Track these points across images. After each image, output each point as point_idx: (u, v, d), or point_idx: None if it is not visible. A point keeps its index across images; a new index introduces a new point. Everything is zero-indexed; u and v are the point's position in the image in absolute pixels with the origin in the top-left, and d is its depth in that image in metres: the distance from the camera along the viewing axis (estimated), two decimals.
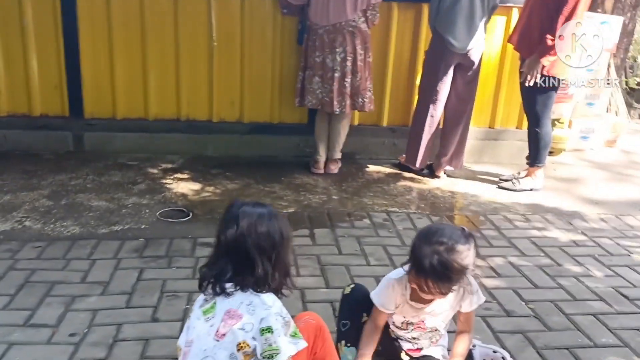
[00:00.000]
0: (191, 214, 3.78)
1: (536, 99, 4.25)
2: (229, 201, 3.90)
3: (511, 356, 2.30)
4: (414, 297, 2.04)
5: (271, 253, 1.66)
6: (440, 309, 2.06)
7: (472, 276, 2.07)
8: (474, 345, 2.20)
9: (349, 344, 2.11)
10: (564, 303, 2.79)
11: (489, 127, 5.23)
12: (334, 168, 4.79)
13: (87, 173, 4.27)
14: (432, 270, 1.80)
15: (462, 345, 2.08)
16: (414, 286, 1.92)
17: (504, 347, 2.38)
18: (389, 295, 2.06)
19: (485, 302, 2.68)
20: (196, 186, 4.29)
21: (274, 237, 1.67)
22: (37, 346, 2.28)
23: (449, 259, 1.78)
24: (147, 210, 3.71)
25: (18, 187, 3.91)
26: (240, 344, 1.55)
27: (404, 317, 2.10)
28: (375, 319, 2.09)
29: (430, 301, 2.02)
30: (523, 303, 2.77)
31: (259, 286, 1.64)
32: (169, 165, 4.60)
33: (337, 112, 4.46)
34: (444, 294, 1.89)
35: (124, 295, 2.69)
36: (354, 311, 2.16)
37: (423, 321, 2.10)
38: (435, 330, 2.12)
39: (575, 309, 2.74)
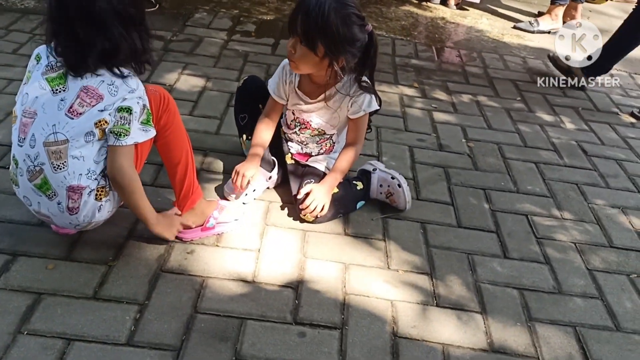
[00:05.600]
0: (158, 6, 3.55)
1: None
2: None
3: (415, 185, 2.15)
4: (302, 87, 1.90)
5: (115, 17, 1.38)
6: (327, 109, 1.91)
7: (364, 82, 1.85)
8: (374, 169, 2.03)
9: (250, 137, 2.01)
10: (510, 147, 2.53)
11: None
12: None
13: None
14: (306, 4, 1.64)
15: (342, 160, 1.92)
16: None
17: (415, 177, 2.21)
18: (279, 78, 1.91)
19: (423, 134, 2.49)
20: None
21: None
22: None
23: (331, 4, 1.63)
24: None
25: None
26: (99, 121, 1.44)
27: (293, 112, 1.96)
28: (267, 111, 1.96)
29: (316, 95, 1.89)
30: (464, 141, 2.54)
31: (109, 59, 1.44)
32: None
33: None
34: (305, 44, 1.69)
35: None
36: (250, 103, 2.04)
37: (310, 122, 1.95)
38: (323, 134, 1.98)
39: (519, 154, 2.49)
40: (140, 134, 1.50)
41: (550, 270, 1.84)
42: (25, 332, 1.41)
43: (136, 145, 1.52)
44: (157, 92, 1.59)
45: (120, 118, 1.45)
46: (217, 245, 1.77)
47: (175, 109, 1.65)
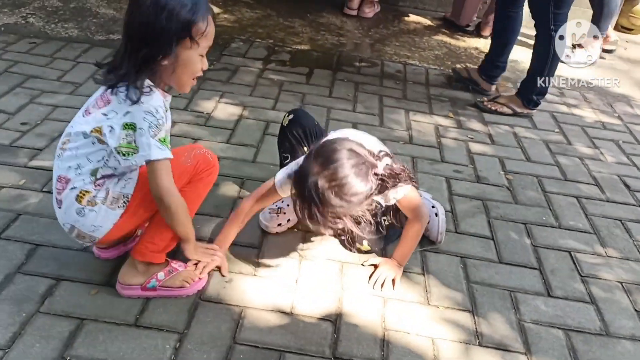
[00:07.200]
0: None
1: None
2: (240, 30, 3.82)
3: (453, 218, 2.12)
4: None
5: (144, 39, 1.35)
6: None
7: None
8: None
9: None
10: (550, 181, 2.49)
11: None
12: (369, 11, 4.41)
13: None
14: (309, 197, 1.46)
15: (408, 237, 1.79)
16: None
17: (453, 210, 2.18)
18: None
19: (459, 165, 2.47)
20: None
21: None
22: None
23: (329, 188, 1.45)
24: None
25: None
26: (95, 129, 1.40)
27: None
28: (259, 194, 1.75)
29: None
30: (502, 173, 2.50)
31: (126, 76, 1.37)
32: None
33: None
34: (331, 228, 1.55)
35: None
36: (292, 144, 1.95)
37: None
38: None
39: (560, 188, 2.44)
40: (155, 151, 1.38)
41: (596, 310, 1.78)
42: (68, 358, 1.42)
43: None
44: (207, 156, 1.64)
45: (126, 136, 1.38)
46: (254, 275, 1.76)
47: (210, 182, 1.66)
